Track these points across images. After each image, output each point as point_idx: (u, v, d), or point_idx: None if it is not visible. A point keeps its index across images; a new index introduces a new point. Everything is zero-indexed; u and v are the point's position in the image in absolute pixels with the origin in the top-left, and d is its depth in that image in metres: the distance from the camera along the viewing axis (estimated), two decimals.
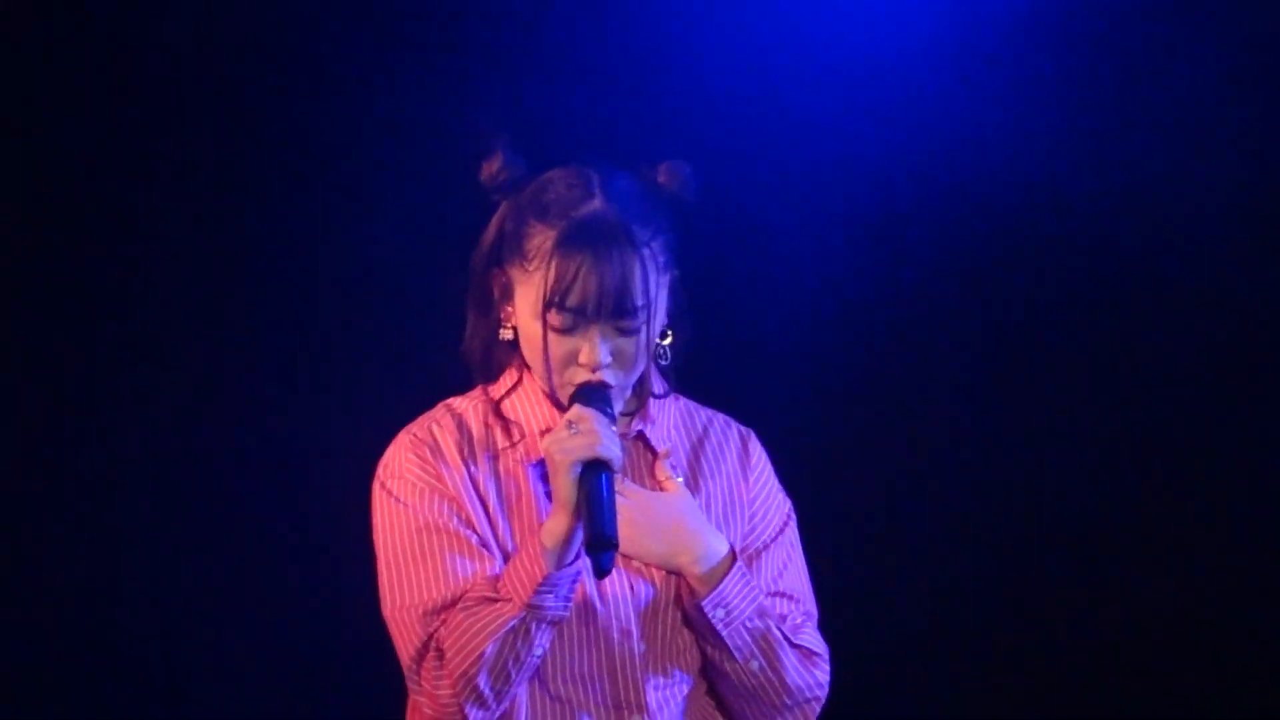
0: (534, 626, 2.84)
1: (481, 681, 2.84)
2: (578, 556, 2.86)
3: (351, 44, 4.12)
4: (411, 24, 4.11)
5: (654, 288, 2.89)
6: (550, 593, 2.84)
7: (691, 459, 3.05)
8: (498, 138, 2.96)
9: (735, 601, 2.94)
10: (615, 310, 2.87)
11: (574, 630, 2.93)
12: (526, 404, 2.98)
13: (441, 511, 2.91)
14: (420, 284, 4.14)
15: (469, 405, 3.00)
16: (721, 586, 2.92)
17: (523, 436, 2.97)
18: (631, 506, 2.92)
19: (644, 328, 2.89)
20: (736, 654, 2.94)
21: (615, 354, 2.90)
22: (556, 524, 2.84)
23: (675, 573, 2.93)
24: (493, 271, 2.95)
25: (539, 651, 2.86)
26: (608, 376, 2.89)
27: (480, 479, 2.95)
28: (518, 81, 4.12)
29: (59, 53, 4.01)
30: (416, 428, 2.98)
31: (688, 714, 2.99)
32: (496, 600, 2.86)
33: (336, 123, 4.13)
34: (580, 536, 2.83)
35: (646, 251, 2.88)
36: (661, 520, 2.93)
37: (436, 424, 2.97)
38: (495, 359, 3.01)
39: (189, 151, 4.10)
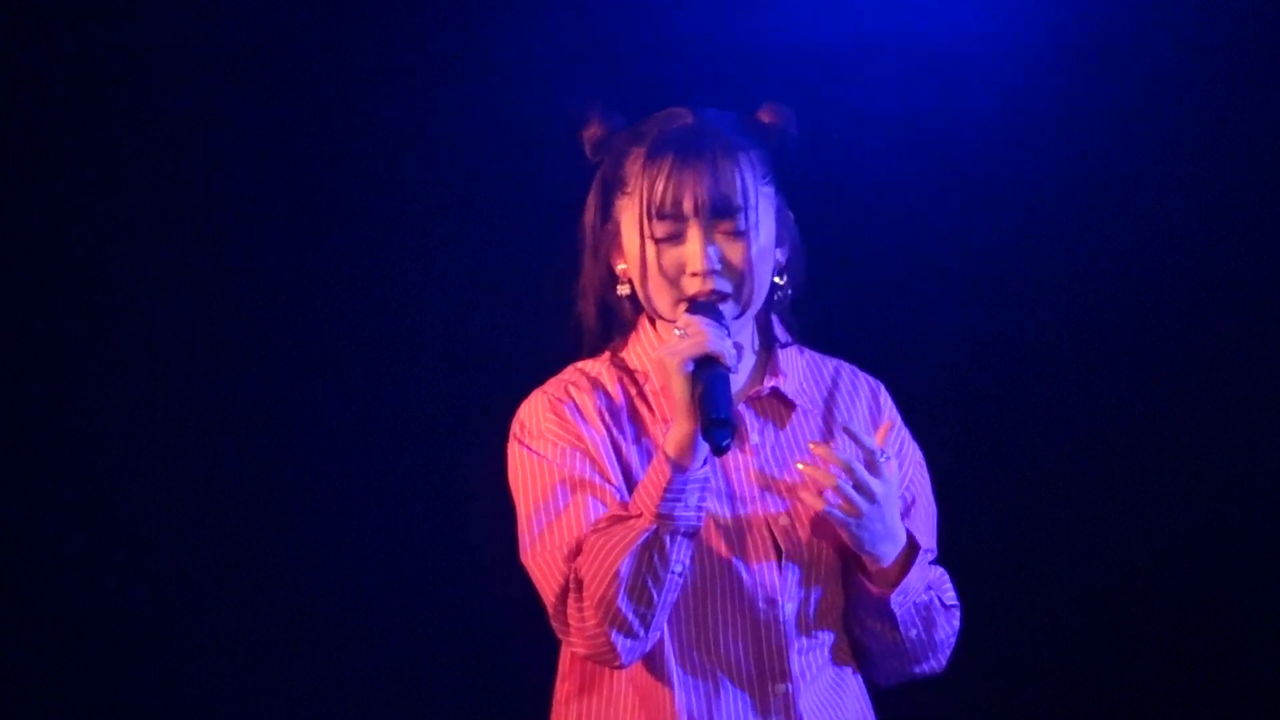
0: (668, 539, 2.78)
1: (622, 604, 2.77)
2: (706, 463, 2.81)
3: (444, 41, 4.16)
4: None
5: (753, 192, 2.88)
6: (678, 500, 2.79)
7: (825, 411, 3.00)
8: (588, 104, 2.97)
9: (914, 587, 2.91)
10: (713, 207, 2.86)
11: (718, 598, 2.87)
12: (648, 349, 2.96)
13: (582, 466, 2.88)
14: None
15: (600, 367, 2.98)
16: (908, 578, 2.89)
17: (647, 381, 2.94)
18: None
19: (750, 234, 2.87)
20: (900, 626, 2.93)
21: (723, 261, 2.87)
22: (677, 429, 2.80)
23: (858, 554, 2.88)
24: (602, 227, 2.95)
25: (678, 569, 2.79)
26: (718, 284, 2.86)
27: (622, 443, 2.92)
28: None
29: (63, 52, 4.09)
30: (552, 388, 2.96)
31: (826, 673, 2.93)
32: (628, 518, 2.82)
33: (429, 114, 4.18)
34: (705, 446, 2.79)
35: (742, 156, 2.89)
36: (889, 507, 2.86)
37: (573, 384, 2.95)
38: (615, 319, 2.99)
39: (269, 145, 4.15)
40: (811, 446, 2.87)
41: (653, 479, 2.81)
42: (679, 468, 2.79)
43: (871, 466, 2.84)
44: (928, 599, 2.93)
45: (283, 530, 4.17)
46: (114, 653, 4.12)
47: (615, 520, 2.82)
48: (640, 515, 2.81)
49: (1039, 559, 4.29)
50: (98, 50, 4.09)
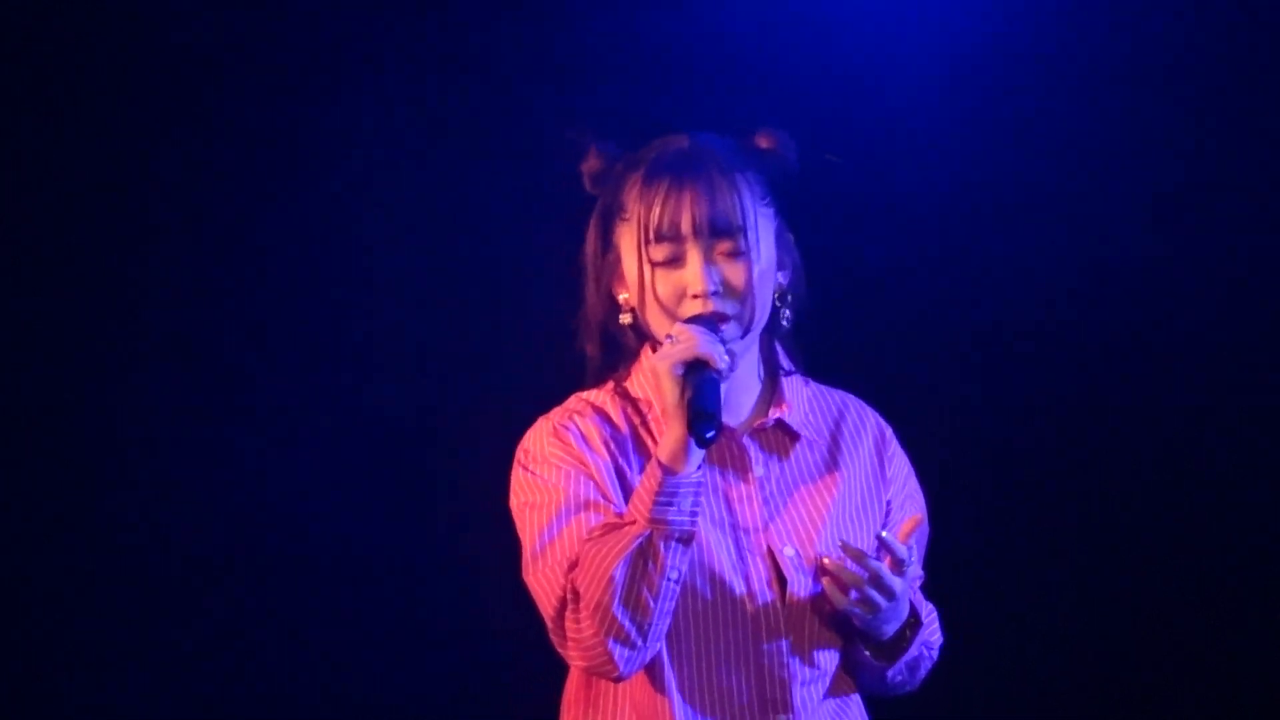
0: (662, 545, 2.76)
1: (618, 611, 2.75)
2: (700, 469, 2.79)
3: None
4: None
5: (751, 212, 2.86)
6: (670, 504, 2.77)
7: (830, 443, 2.98)
8: (584, 135, 2.97)
9: (912, 653, 2.93)
10: (711, 227, 2.84)
11: (721, 629, 2.85)
12: (650, 377, 2.94)
13: (585, 488, 2.87)
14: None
15: (604, 396, 2.97)
16: (908, 654, 2.92)
17: (650, 410, 2.93)
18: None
19: (750, 254, 2.85)
20: (888, 677, 2.96)
21: (723, 283, 2.85)
22: (669, 434, 2.79)
23: (856, 628, 2.89)
24: (603, 257, 2.94)
25: (674, 575, 2.77)
26: (719, 306, 2.84)
27: (626, 470, 2.90)
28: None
29: (69, 53, 4.06)
30: (557, 416, 2.94)
31: (828, 705, 2.92)
32: (621, 525, 2.80)
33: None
34: (701, 452, 2.78)
35: (739, 177, 2.87)
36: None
37: (578, 414, 2.93)
38: (618, 349, 2.97)
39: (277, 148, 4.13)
40: (843, 546, 2.84)
41: (645, 485, 2.79)
42: (671, 471, 2.77)
43: (897, 569, 2.83)
44: (918, 654, 2.95)
45: (286, 537, 4.17)
46: (113, 653, 4.10)
47: (609, 529, 2.81)
48: (634, 522, 2.79)
49: (1041, 562, 4.27)
50: (96, 49, 4.07)
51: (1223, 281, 4.23)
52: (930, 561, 3.02)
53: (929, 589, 3.03)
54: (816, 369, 3.04)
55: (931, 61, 4.20)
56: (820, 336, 3.03)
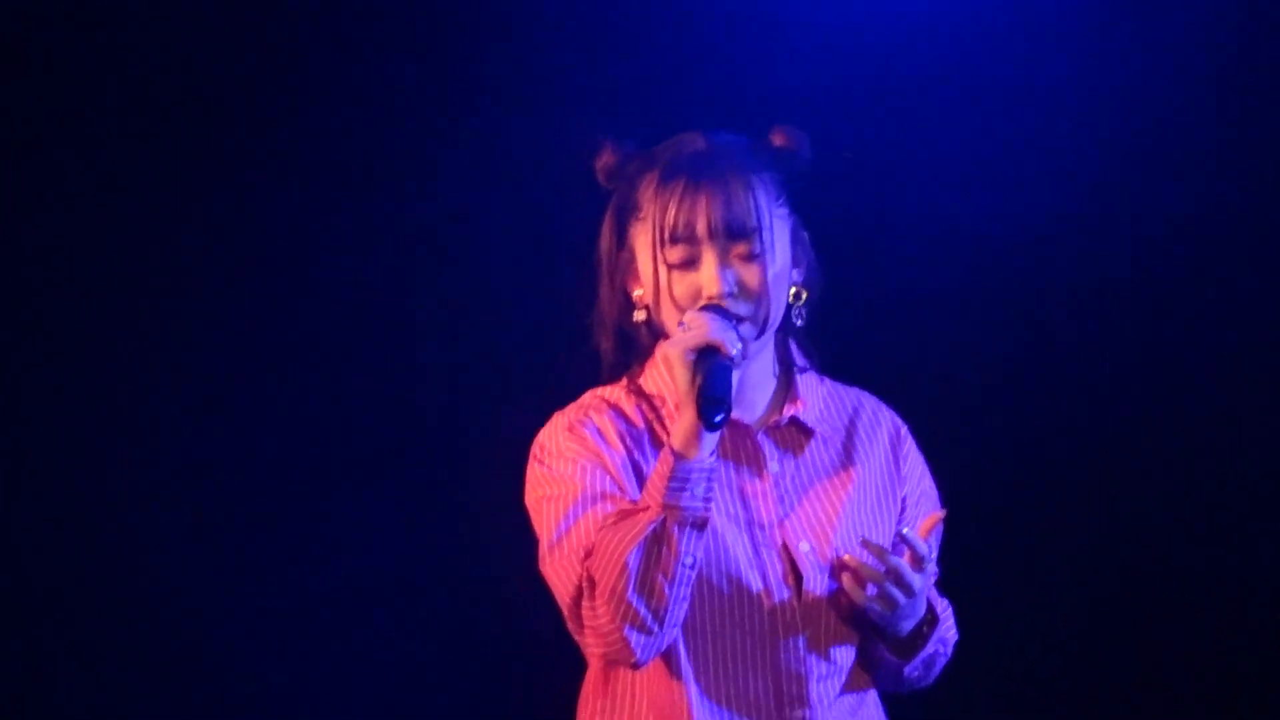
0: (676, 530, 2.76)
1: (632, 597, 2.76)
2: (714, 455, 2.80)
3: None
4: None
5: (766, 214, 2.86)
6: (683, 489, 2.77)
7: (845, 440, 2.99)
8: (599, 131, 2.96)
9: (928, 651, 2.94)
10: (727, 229, 2.84)
11: (737, 625, 2.86)
12: (665, 374, 2.94)
13: (601, 480, 2.88)
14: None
15: (619, 393, 2.97)
16: (925, 650, 2.93)
17: (664, 406, 2.93)
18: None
19: (765, 256, 2.85)
20: (904, 673, 2.97)
21: (739, 284, 2.85)
22: (681, 420, 2.79)
23: (873, 625, 2.90)
24: (617, 254, 2.94)
25: (688, 561, 2.77)
26: (734, 308, 2.84)
27: (643, 465, 2.90)
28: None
29: (69, 52, 4.06)
30: (573, 412, 2.95)
31: (845, 701, 2.93)
32: (635, 512, 2.81)
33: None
34: (713, 439, 2.78)
35: (754, 178, 2.87)
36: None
37: (593, 410, 2.94)
38: (633, 346, 2.97)
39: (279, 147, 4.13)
40: (864, 543, 2.85)
41: (659, 471, 2.80)
42: (682, 457, 2.78)
43: (916, 566, 2.84)
44: (934, 650, 2.96)
45: (289, 537, 4.18)
46: (114, 653, 4.11)
47: (623, 515, 2.82)
48: (647, 508, 2.80)
49: (1053, 560, 4.27)
50: (95, 47, 4.07)
51: (1228, 284, 4.22)
52: (942, 559, 3.02)
53: (942, 585, 3.04)
54: (831, 366, 3.05)
55: (950, 59, 4.20)
56: (835, 334, 3.03)
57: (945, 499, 3.08)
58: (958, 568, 3.09)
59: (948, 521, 3.00)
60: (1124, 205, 4.22)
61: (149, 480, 4.12)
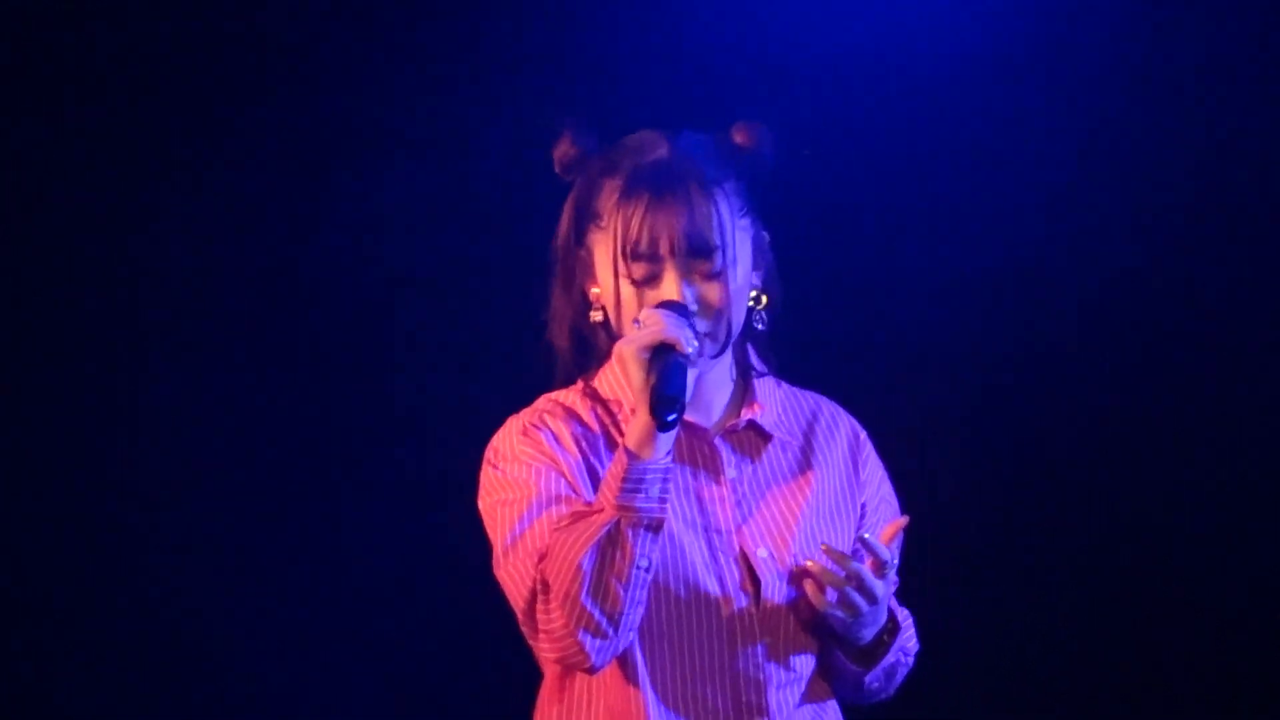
0: (630, 532, 2.72)
1: (586, 600, 2.72)
2: (669, 455, 2.76)
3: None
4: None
5: (730, 229, 2.82)
6: (638, 490, 2.73)
7: (804, 446, 2.95)
8: (562, 119, 2.91)
9: (888, 660, 2.91)
10: (689, 247, 2.80)
11: (695, 632, 2.82)
12: (620, 377, 2.90)
13: (556, 484, 2.84)
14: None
15: (574, 396, 2.93)
16: (885, 660, 2.89)
17: (621, 410, 2.90)
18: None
19: (727, 272, 2.81)
20: (865, 684, 2.93)
21: (700, 302, 2.82)
22: (636, 420, 2.75)
23: (833, 633, 2.87)
24: (575, 252, 2.89)
25: (643, 564, 2.73)
26: (695, 325, 2.80)
27: (598, 469, 2.86)
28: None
29: (69, 52, 4.06)
30: (527, 416, 2.91)
31: (804, 711, 2.89)
32: (589, 513, 2.77)
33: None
34: (668, 439, 2.74)
35: (718, 191, 2.82)
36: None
37: (548, 413, 2.90)
38: (589, 346, 2.94)
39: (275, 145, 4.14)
40: (824, 549, 2.82)
41: (613, 472, 2.76)
42: (637, 458, 2.74)
43: (878, 571, 2.80)
44: (895, 660, 2.92)
45: (283, 534, 4.18)
46: (114, 653, 4.12)
47: (577, 517, 2.77)
48: (601, 510, 2.76)
49: (1016, 567, 4.26)
50: (93, 47, 4.08)
51: (1215, 282, 4.23)
52: (941, 560, 2.98)
53: (903, 594, 2.99)
54: (789, 371, 3.01)
55: (922, 59, 4.18)
56: (833, 334, 3.00)
57: (942, 501, 3.06)
58: (914, 576, 3.05)
59: (945, 522, 2.96)
60: (1124, 205, 4.21)
61: (149, 480, 4.13)
